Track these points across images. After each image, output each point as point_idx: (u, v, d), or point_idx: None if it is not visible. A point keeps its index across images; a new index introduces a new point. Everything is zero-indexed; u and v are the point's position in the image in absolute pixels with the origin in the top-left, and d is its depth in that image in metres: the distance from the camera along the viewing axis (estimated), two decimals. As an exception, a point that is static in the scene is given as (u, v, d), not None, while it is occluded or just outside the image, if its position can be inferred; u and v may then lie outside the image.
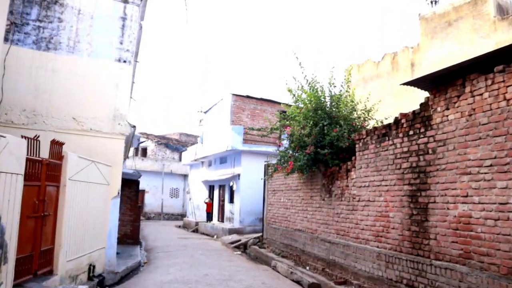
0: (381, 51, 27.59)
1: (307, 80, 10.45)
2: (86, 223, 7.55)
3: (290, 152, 10.34)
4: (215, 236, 19.07)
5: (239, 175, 19.48)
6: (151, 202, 33.18)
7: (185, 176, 34.31)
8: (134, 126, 9.29)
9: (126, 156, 14.68)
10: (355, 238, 8.14)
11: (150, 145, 35.64)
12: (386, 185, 7.26)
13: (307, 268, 10.01)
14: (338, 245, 8.82)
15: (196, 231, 22.28)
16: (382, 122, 9.46)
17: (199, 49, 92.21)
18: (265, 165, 15.01)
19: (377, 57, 18.01)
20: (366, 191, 7.88)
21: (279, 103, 21.41)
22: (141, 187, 34.07)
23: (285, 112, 11.27)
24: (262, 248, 13.74)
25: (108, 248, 8.80)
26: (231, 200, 20.41)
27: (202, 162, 25.33)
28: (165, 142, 35.74)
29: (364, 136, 8.12)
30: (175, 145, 35.97)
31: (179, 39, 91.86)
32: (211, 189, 23.91)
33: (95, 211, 8.09)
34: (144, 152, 36.21)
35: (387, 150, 7.33)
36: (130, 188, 14.96)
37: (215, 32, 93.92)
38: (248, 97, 20.63)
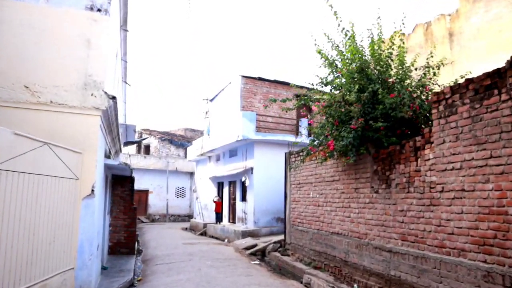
0: (410, 22, 24.72)
1: (346, 34, 7.78)
2: (35, 237, 4.99)
3: (329, 128, 7.66)
4: (226, 240, 16.50)
5: (252, 169, 16.87)
6: (155, 203, 30.74)
7: (191, 174, 31.81)
8: (113, 98, 6.72)
9: (118, 148, 12.15)
10: (438, 247, 5.48)
11: (153, 142, 33.17)
12: (498, 165, 4.60)
13: (355, 286, 7.37)
14: (404, 255, 6.17)
15: (204, 234, 19.73)
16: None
17: (202, 38, 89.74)
18: (286, 153, 12.40)
19: (406, 30, 15.28)
20: (457, 177, 5.21)
21: (296, 86, 18.79)
22: (144, 187, 31.76)
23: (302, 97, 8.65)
24: (285, 256, 11.13)
25: (80, 269, 6.25)
26: (243, 198, 17.81)
27: (209, 157, 22.78)
28: (169, 138, 33.25)
29: (448, 95, 5.44)
30: (180, 141, 33.47)
31: (181, 29, 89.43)
32: (220, 186, 21.34)
33: (54, 217, 5.53)
34: (147, 149, 33.77)
35: (497, 110, 4.66)
36: (123, 186, 12.44)
37: (220, 15, 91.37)
38: (260, 79, 18.00)
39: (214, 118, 20.76)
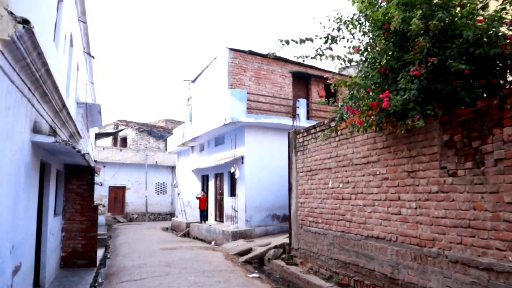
0: None
1: None
2: None
3: (376, 79, 5.03)
4: (213, 243, 13.87)
5: (242, 157, 14.27)
6: (133, 201, 27.80)
7: (173, 168, 28.97)
8: (26, 22, 4.01)
9: (73, 130, 9.31)
10: None
11: (130, 134, 30.14)
12: None
13: (416, 320, 4.86)
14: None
15: (187, 235, 17.05)
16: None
17: (183, 13, 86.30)
18: (290, 133, 9.86)
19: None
20: None
21: (292, 62, 16.28)
22: (121, 183, 28.70)
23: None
24: (293, 265, 8.59)
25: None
26: (233, 193, 15.20)
27: (192, 147, 20.05)
28: (148, 130, 30.28)
29: None
30: (160, 133, 30.54)
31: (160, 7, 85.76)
32: (204, 180, 18.66)
33: None
34: (124, 142, 30.72)
35: None
36: (80, 179, 9.66)
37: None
38: (250, 53, 15.35)
39: (197, 101, 18.01)
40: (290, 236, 9.38)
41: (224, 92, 14.35)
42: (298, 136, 9.01)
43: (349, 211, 6.63)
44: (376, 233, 5.84)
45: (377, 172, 5.88)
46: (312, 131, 8.26)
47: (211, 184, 17.39)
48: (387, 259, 5.56)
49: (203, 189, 18.37)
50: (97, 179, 26.78)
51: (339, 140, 7.00)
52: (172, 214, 25.82)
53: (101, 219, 21.86)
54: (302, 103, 15.63)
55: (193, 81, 18.65)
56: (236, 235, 13.07)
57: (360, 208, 6.29)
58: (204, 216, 16.72)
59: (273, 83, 15.78)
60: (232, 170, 14.11)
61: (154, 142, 30.29)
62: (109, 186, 26.70)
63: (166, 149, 28.79)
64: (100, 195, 26.02)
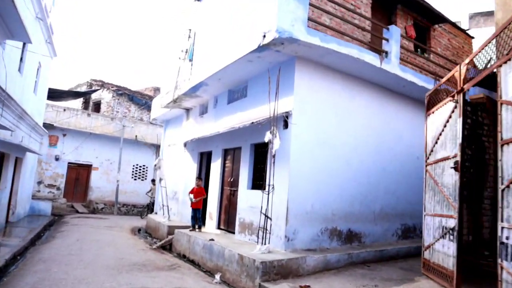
0: None
1: None
2: None
3: None
4: (217, 276, 7.01)
5: (286, 117, 7.48)
6: (101, 185, 20.74)
7: (158, 148, 21.98)
8: None
9: None
10: None
11: (106, 97, 23.01)
12: None
13: None
14: None
15: (168, 248, 10.14)
16: None
17: None
18: None
19: None
20: None
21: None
22: (85, 159, 20.85)
23: None
24: None
25: None
26: (257, 183, 8.40)
27: (188, 111, 13.10)
28: (129, 94, 23.17)
29: None
30: (145, 100, 23.45)
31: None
32: (203, 160, 11.76)
33: None
34: (97, 108, 23.59)
35: None
36: None
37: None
38: None
39: (204, 29, 10.98)
40: None
41: (262, -13, 7.44)
42: None
43: None
44: None
45: None
46: None
47: (216, 166, 10.45)
48: None
49: (199, 175, 11.46)
50: (51, 150, 20.01)
51: None
52: (151, 208, 18.80)
53: (45, 206, 14.83)
54: (394, 33, 8.81)
55: None
56: (271, 270, 6.21)
57: None
58: (198, 219, 9.80)
59: (344, -4, 8.91)
60: (267, 138, 7.17)
61: (136, 112, 23.23)
62: (69, 163, 19.59)
63: (150, 121, 21.80)
64: (55, 173, 18.96)
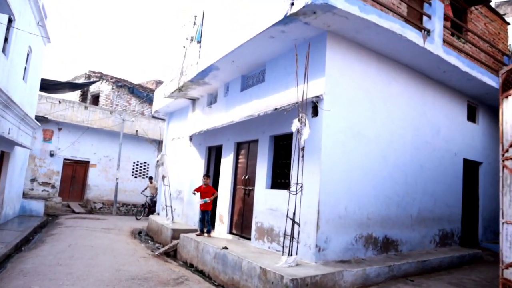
0: None
1: None
2: None
3: None
4: (234, 294, 5.80)
5: (316, 102, 6.23)
6: (99, 183, 19.53)
7: (160, 144, 20.79)
8: None
9: None
10: None
11: (105, 89, 21.77)
12: None
13: None
14: None
15: (173, 254, 8.92)
16: None
17: None
18: None
19: None
20: None
21: None
22: (82, 155, 19.06)
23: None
24: None
25: None
26: (278, 182, 7.19)
27: (194, 101, 11.88)
28: (130, 86, 21.94)
29: None
30: (147, 93, 22.22)
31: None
32: (211, 155, 10.55)
33: None
34: (96, 100, 22.36)
35: None
36: None
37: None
38: None
39: (215, 3, 9.70)
40: None
41: None
42: None
43: None
44: None
45: None
46: None
47: (227, 162, 9.22)
48: None
49: (207, 173, 10.25)
50: (45, 146, 18.80)
51: None
52: (152, 208, 17.54)
53: (37, 206, 13.61)
54: (437, 8, 7.58)
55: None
56: (301, 286, 5.00)
57: None
58: (207, 222, 8.58)
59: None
60: (294, 127, 5.91)
61: (136, 105, 22.00)
62: (65, 159, 18.36)
63: (152, 116, 20.62)
64: (49, 170, 17.74)
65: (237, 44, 7.42)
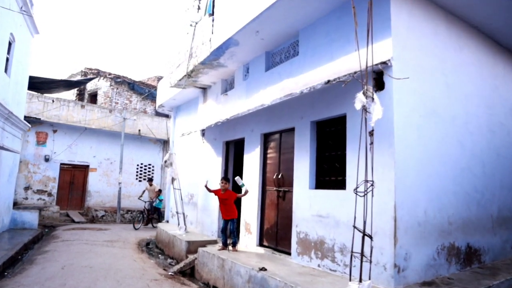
0: None
1: None
2: None
3: None
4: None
5: (382, 69, 4.54)
6: (100, 189, 17.93)
7: (166, 143, 19.21)
8: None
9: None
10: None
11: (103, 86, 20.15)
12: None
13: None
14: None
15: (189, 273, 7.29)
16: None
17: None
18: None
19: None
20: None
21: None
22: (81, 159, 16.99)
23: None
24: None
25: None
26: (327, 179, 5.54)
27: (204, 90, 10.24)
28: (130, 82, 20.32)
29: None
30: (149, 89, 20.60)
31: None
32: (229, 151, 8.90)
33: None
34: (94, 99, 20.75)
35: None
36: None
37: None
38: None
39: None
40: None
41: None
42: None
43: None
44: None
45: None
46: None
47: (251, 159, 7.57)
48: None
49: (225, 175, 8.62)
50: (39, 150, 17.33)
51: None
52: (151, 215, 15.89)
53: (30, 217, 12.02)
54: None
55: None
56: None
57: None
58: (232, 233, 6.95)
59: None
60: (358, 103, 4.24)
61: (138, 102, 20.38)
62: (61, 164, 16.75)
63: (155, 112, 19.06)
64: (45, 176, 16.14)
65: (265, 6, 5.78)
